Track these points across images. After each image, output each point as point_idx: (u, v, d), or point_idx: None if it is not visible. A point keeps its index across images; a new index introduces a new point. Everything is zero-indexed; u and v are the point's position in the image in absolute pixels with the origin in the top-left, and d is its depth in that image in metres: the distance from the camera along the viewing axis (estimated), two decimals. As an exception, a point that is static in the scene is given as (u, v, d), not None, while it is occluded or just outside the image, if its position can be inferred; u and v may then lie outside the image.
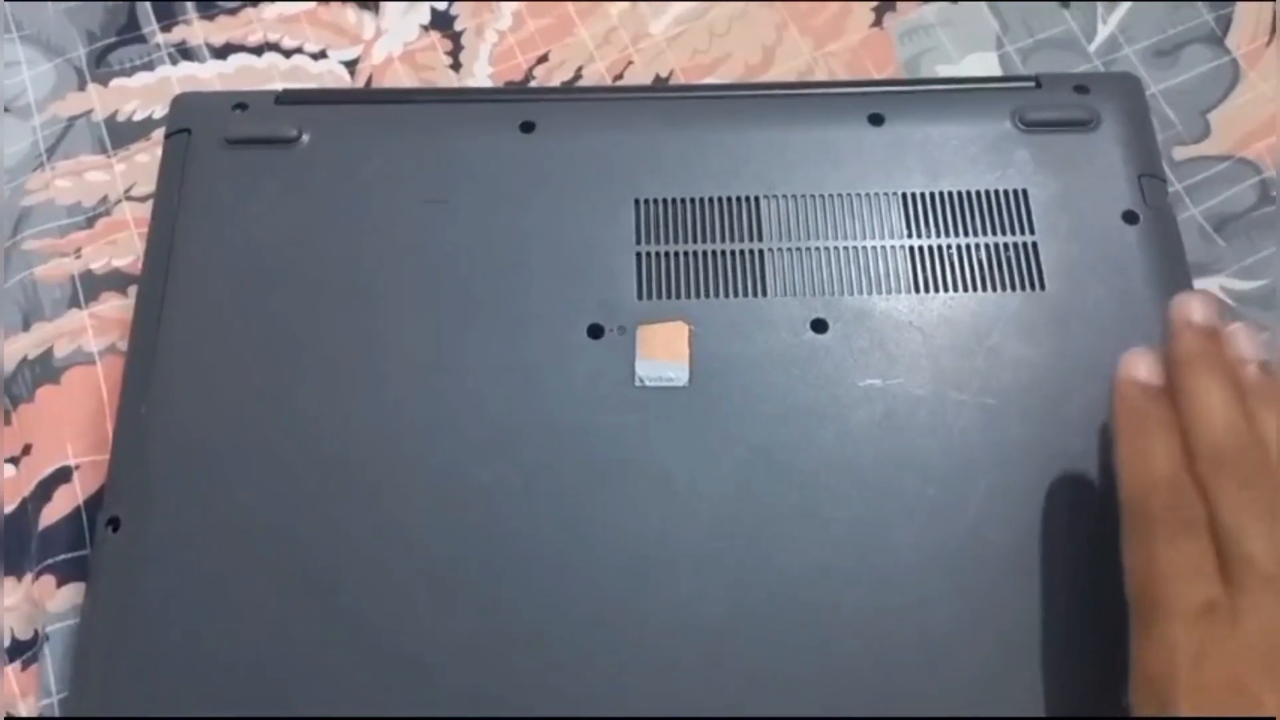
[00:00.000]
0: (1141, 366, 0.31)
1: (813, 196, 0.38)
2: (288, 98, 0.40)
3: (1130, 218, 0.38)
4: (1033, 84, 0.40)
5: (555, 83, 0.45)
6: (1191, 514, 0.29)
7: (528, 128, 0.39)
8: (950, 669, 0.32)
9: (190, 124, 0.39)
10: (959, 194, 0.38)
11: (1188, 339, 0.31)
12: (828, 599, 0.33)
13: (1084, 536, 0.33)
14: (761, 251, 0.37)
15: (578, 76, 0.45)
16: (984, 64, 0.46)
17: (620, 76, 0.46)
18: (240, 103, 0.40)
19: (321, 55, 0.46)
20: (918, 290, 0.37)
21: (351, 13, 0.47)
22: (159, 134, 0.43)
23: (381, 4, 0.47)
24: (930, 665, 0.32)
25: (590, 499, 0.34)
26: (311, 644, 0.32)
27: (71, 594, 0.36)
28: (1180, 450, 0.30)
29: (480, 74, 0.45)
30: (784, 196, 0.38)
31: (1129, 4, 0.46)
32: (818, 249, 0.37)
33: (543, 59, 0.46)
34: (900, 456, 0.34)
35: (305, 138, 0.39)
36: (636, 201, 0.38)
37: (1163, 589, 0.28)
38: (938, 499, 0.34)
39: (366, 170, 0.38)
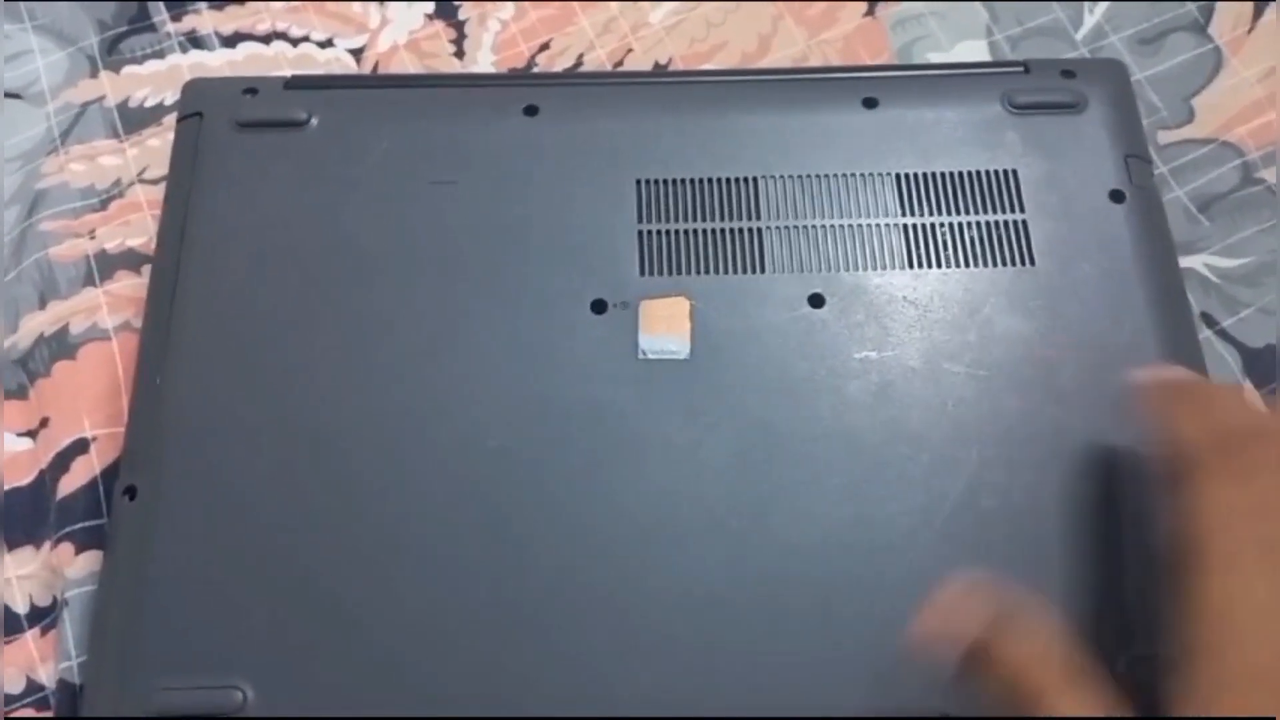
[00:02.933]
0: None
1: (809, 177, 0.39)
2: (297, 83, 0.41)
3: (1117, 197, 0.39)
4: (1021, 69, 0.41)
5: (557, 70, 0.46)
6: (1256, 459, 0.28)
7: (531, 111, 0.40)
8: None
9: (202, 108, 0.40)
10: (950, 174, 0.39)
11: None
12: (825, 566, 0.33)
13: (1074, 503, 0.34)
14: (760, 230, 0.38)
15: (579, 64, 0.47)
16: (974, 52, 0.47)
17: (620, 64, 0.47)
18: (250, 87, 0.41)
19: (328, 44, 0.47)
20: (911, 266, 0.38)
21: (357, 2, 0.48)
22: (170, 119, 0.44)
23: (387, -6, 0.48)
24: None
25: (594, 468, 0.35)
26: (324, 611, 0.33)
27: (89, 561, 0.37)
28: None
29: (483, 61, 0.46)
30: (781, 177, 0.39)
31: (1115, -5, 0.48)
32: (814, 227, 0.38)
33: (544, 47, 0.47)
34: (895, 427, 0.35)
35: (314, 121, 0.40)
36: (638, 182, 0.39)
37: (1222, 534, 0.27)
38: (932, 467, 0.35)
39: (374, 152, 0.39)
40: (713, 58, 0.47)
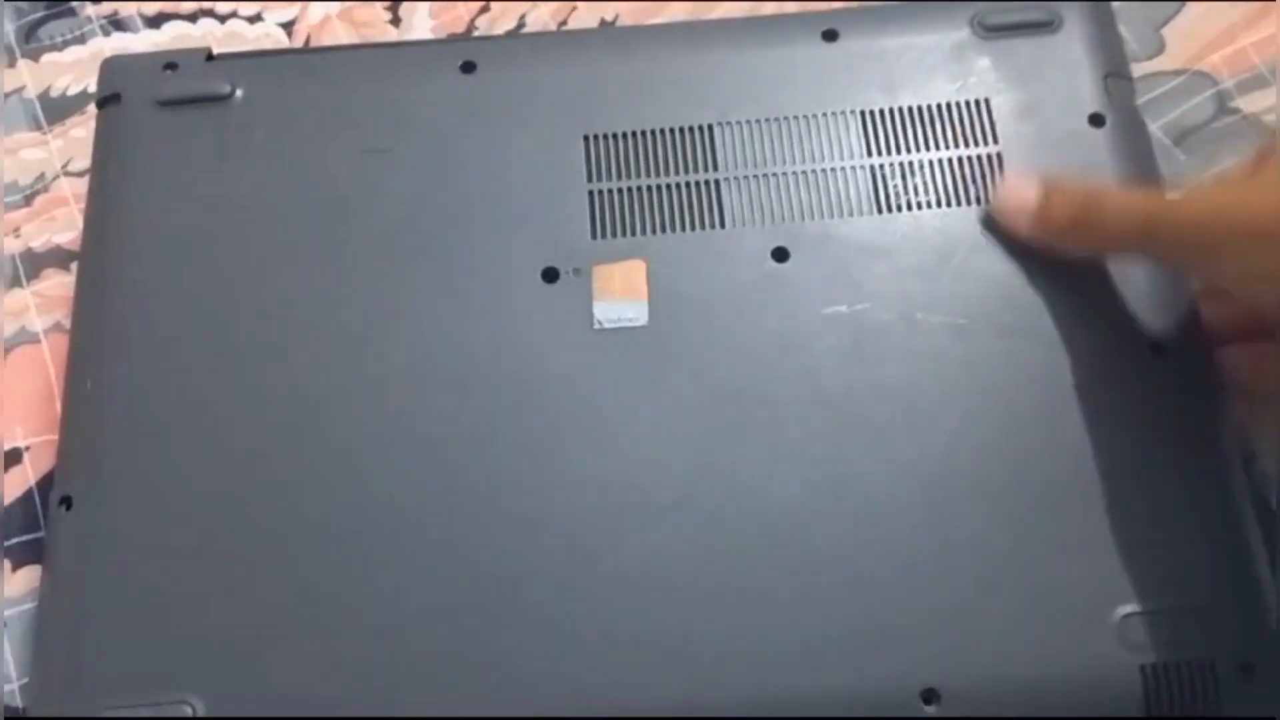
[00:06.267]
0: None
1: (768, 120, 0.37)
2: (219, 55, 0.39)
3: (1097, 120, 0.36)
4: (990, -11, 0.39)
5: (498, 32, 0.44)
6: None
7: (469, 68, 0.38)
8: (929, 594, 0.31)
9: (120, 88, 0.38)
10: (919, 108, 0.37)
11: None
12: (802, 531, 0.32)
13: (1064, 452, 0.32)
14: (718, 181, 0.36)
15: (521, 25, 0.44)
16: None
17: (565, 23, 0.44)
18: (170, 63, 0.38)
19: (257, 18, 0.45)
20: (880, 211, 0.35)
21: (286, -27, 0.45)
22: (94, 107, 0.42)
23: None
24: (909, 591, 0.31)
25: (554, 445, 0.33)
26: (273, 612, 0.31)
27: (27, 577, 0.35)
28: None
29: (420, 28, 0.44)
30: (738, 122, 0.37)
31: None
32: (775, 175, 0.36)
33: (484, 9, 0.44)
34: (870, 384, 0.33)
35: (239, 94, 0.38)
36: (585, 138, 0.37)
37: None
38: (911, 425, 0.33)
39: (304, 123, 0.37)
40: (661, 13, 0.44)
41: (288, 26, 0.44)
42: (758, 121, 0.37)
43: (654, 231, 0.35)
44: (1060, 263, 0.34)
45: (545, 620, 0.31)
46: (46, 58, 0.44)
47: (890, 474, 0.32)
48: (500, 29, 0.44)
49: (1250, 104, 0.41)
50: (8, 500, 0.36)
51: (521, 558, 0.32)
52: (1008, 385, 0.33)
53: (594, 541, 0.32)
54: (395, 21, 0.44)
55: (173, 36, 0.44)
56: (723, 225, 0.35)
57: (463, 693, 0.31)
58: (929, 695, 0.30)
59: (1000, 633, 0.31)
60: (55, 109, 0.43)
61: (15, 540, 0.36)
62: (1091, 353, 0.33)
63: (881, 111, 0.37)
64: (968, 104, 0.37)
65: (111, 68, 0.39)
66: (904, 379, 0.33)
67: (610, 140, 0.37)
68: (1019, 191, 0.35)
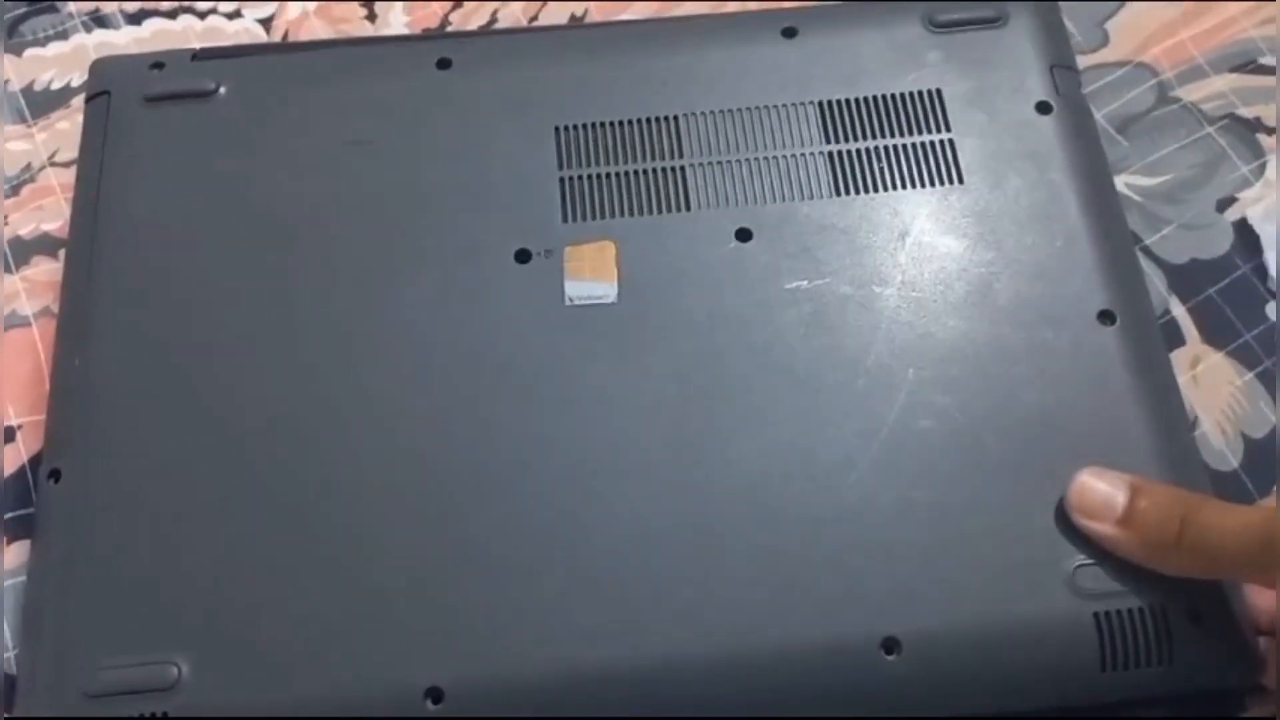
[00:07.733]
0: None
1: (731, 111, 0.39)
2: (204, 54, 0.40)
3: (1043, 108, 0.38)
4: (941, -13, 0.41)
5: (471, 28, 0.45)
6: None
7: (444, 65, 0.39)
8: (890, 550, 0.32)
9: (109, 86, 0.39)
10: (874, 98, 0.39)
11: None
12: (767, 493, 0.33)
13: (1017, 414, 0.34)
14: (683, 168, 0.38)
15: (493, 20, 0.46)
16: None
17: (535, 18, 0.46)
18: (157, 62, 0.40)
19: (236, 15, 0.46)
20: (838, 193, 0.37)
21: (265, -29, 0.47)
22: (78, 101, 0.43)
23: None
24: (870, 548, 0.32)
25: (529, 419, 0.34)
26: (254, 576, 0.32)
27: (21, 550, 0.36)
28: None
29: (396, 23, 0.46)
30: (703, 113, 0.39)
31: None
32: (739, 161, 0.38)
33: (457, 5, 0.46)
34: (830, 353, 0.35)
35: (223, 90, 0.39)
36: (557, 129, 0.38)
37: None
38: (868, 391, 0.34)
39: (286, 118, 0.39)
40: (630, 8, 0.46)
41: (266, 22, 0.46)
42: (721, 112, 0.39)
43: (622, 215, 0.37)
44: (1006, 239, 0.36)
45: (525, 582, 0.32)
46: (29, 53, 0.45)
47: (850, 437, 0.34)
48: (473, 24, 0.46)
49: (1189, 94, 0.44)
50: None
51: (500, 524, 0.33)
52: (960, 353, 0.35)
53: (569, 506, 0.33)
54: (371, 17, 0.46)
55: (154, 32, 0.46)
56: (688, 208, 0.37)
57: (443, 656, 0.31)
58: (890, 645, 0.31)
59: (959, 585, 0.32)
60: (39, 103, 0.44)
61: (9, 515, 0.37)
62: (1041, 321, 0.35)
63: (839, 102, 0.39)
64: (920, 94, 0.39)
65: (102, 67, 0.40)
66: (862, 348, 0.35)
67: (580, 130, 0.38)
68: (1101, 492, 0.31)
